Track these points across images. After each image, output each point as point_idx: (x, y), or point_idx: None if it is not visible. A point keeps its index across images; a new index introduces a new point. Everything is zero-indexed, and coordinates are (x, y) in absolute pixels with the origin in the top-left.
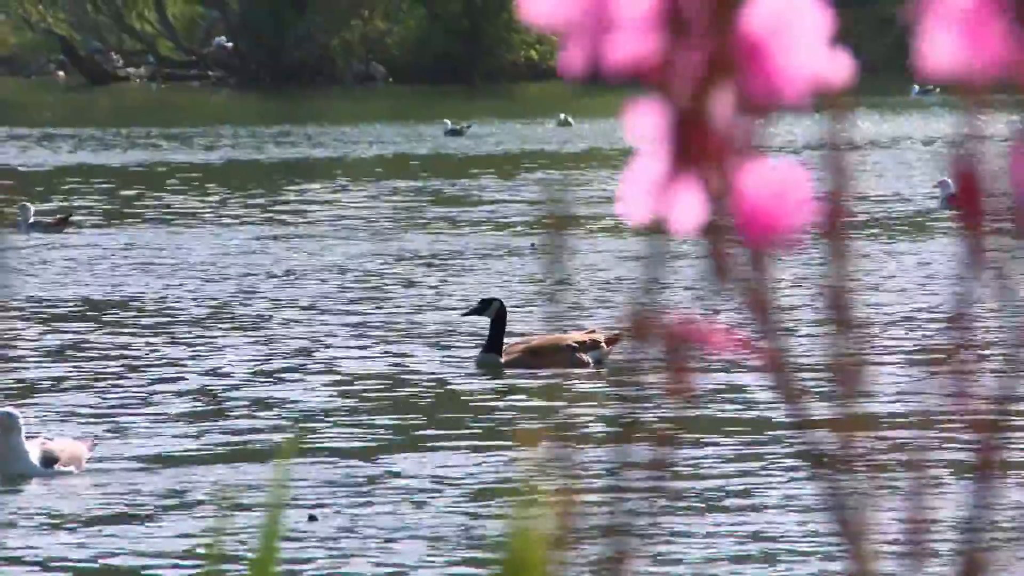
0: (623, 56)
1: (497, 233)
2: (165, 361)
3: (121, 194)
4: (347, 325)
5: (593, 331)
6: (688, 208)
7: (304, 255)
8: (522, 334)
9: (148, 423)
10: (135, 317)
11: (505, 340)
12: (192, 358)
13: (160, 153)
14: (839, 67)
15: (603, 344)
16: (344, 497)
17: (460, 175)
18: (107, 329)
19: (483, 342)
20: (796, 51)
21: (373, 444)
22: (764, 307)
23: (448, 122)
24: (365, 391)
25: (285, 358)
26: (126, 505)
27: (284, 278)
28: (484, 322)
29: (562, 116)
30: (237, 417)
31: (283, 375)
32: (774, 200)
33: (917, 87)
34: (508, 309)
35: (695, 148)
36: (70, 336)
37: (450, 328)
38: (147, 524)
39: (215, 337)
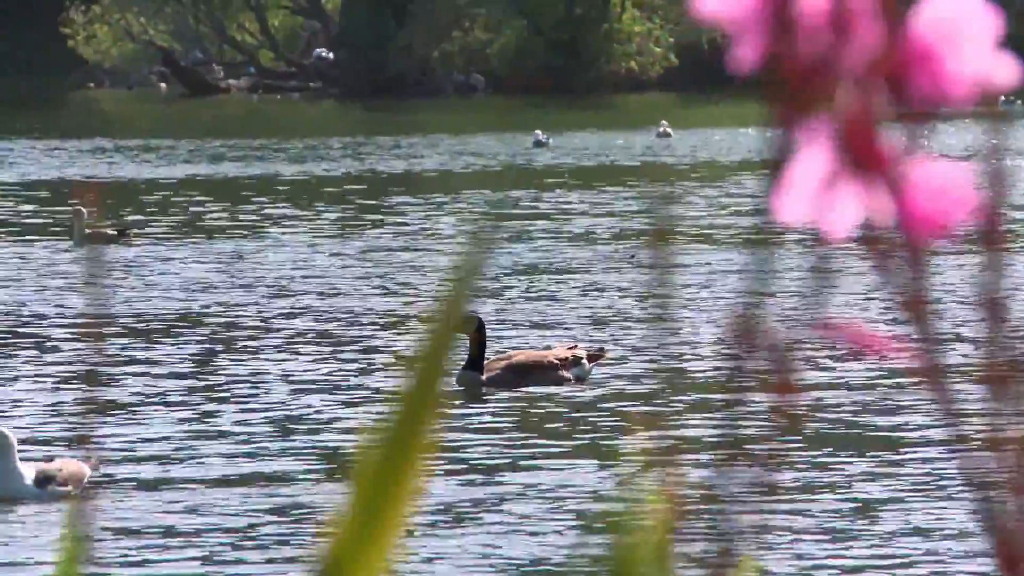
0: (789, 55)
1: (594, 246)
2: (234, 378)
3: (210, 206)
4: None
5: (575, 347)
6: (847, 211)
7: (395, 267)
8: (501, 351)
9: (216, 443)
10: (205, 331)
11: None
12: (262, 372)
13: (256, 165)
14: (1006, 71)
15: (585, 361)
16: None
17: (552, 186)
18: (184, 343)
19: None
20: (964, 54)
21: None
22: (921, 311)
23: (539, 133)
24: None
25: (368, 374)
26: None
27: (373, 291)
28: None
29: (662, 127)
30: (304, 435)
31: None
32: (937, 200)
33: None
34: (608, 321)
35: (857, 151)
36: (135, 352)
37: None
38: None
39: (294, 352)
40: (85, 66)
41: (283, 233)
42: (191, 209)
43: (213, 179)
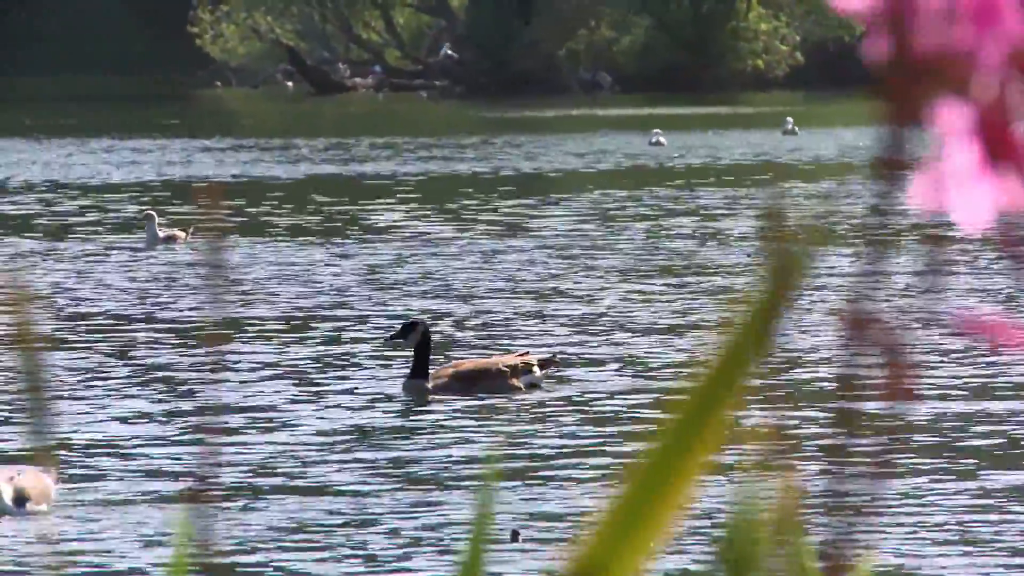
0: (928, 47)
1: (712, 245)
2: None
3: (333, 204)
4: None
5: (526, 354)
6: (982, 204)
7: (516, 266)
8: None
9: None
10: (329, 330)
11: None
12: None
13: (382, 164)
14: None
15: (536, 368)
16: (547, 515)
17: (673, 185)
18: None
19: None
20: None
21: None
22: None
23: (656, 132)
24: (568, 405)
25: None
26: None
27: (497, 291)
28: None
29: (788, 125)
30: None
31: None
32: None
33: None
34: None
35: (993, 142)
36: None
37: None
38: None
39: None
40: (212, 65)
41: (405, 232)
42: (312, 207)
43: (337, 177)
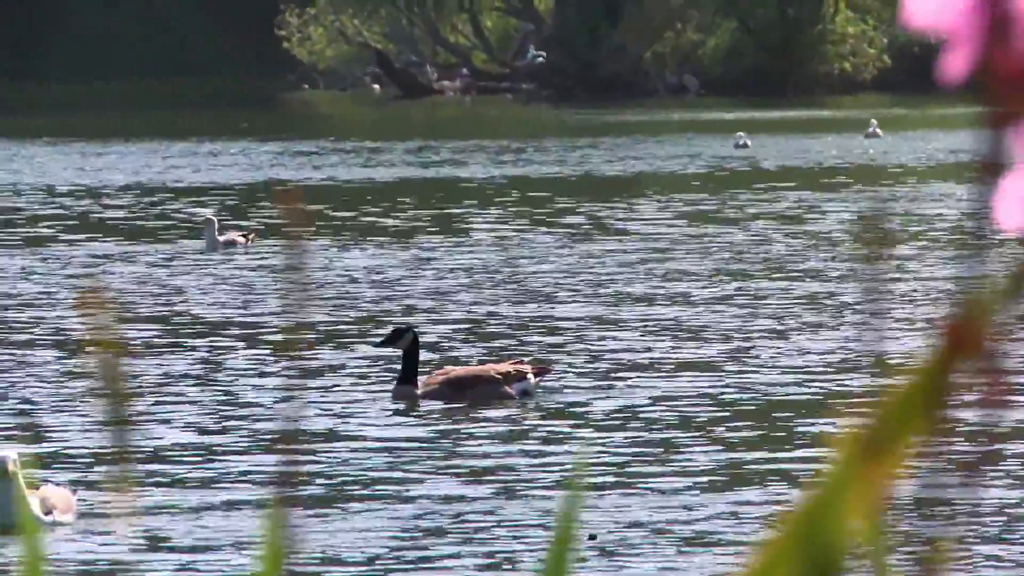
0: (1005, 59)
1: (795, 248)
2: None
3: (412, 210)
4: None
5: (520, 361)
6: None
7: (607, 268)
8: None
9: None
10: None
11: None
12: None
13: (466, 167)
14: None
15: (530, 375)
16: (624, 516)
17: (756, 188)
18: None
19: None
20: None
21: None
22: None
23: (740, 135)
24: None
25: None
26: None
27: (575, 294)
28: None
29: (871, 128)
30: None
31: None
32: None
33: None
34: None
35: None
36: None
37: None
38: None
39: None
40: (300, 68)
41: (493, 235)
42: (399, 210)
43: (424, 180)
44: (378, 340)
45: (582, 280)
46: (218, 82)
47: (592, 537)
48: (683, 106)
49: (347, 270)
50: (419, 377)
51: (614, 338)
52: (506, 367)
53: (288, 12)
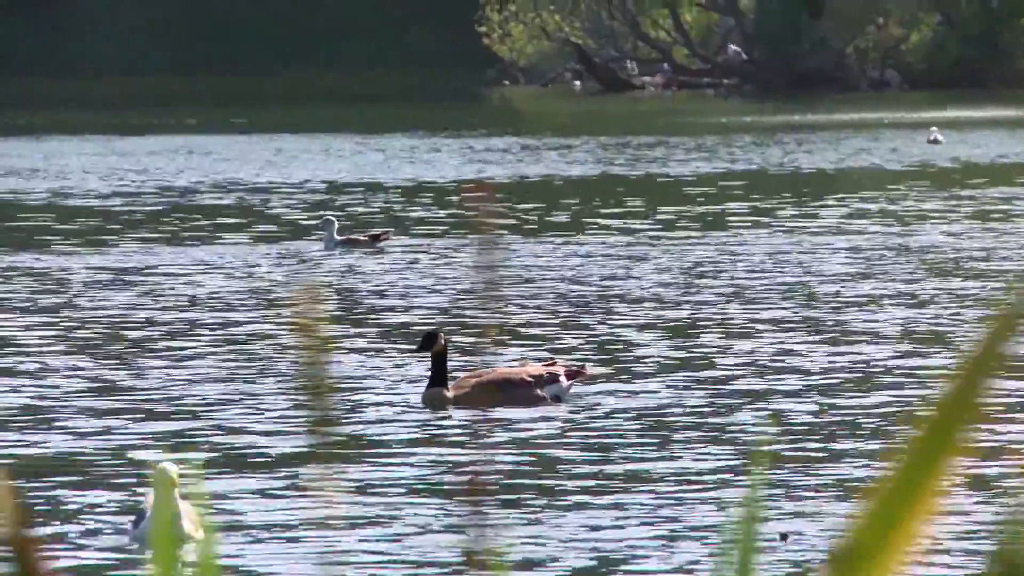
0: None
1: (986, 245)
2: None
3: (617, 205)
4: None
5: (553, 363)
6: None
7: (808, 261)
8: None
9: None
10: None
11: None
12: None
13: (667, 163)
14: None
15: (563, 378)
16: (816, 515)
17: (946, 183)
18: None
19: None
20: None
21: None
22: None
23: (934, 130)
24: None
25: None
26: None
27: (774, 290)
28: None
29: None
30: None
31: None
32: None
33: None
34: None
35: None
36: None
37: None
38: None
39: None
40: (500, 64)
41: (695, 229)
42: (604, 205)
43: (628, 176)
44: (414, 347)
45: (777, 280)
46: (419, 78)
47: (784, 537)
48: (884, 101)
49: (550, 266)
50: (449, 380)
51: (822, 343)
52: (540, 369)
53: (489, 8)
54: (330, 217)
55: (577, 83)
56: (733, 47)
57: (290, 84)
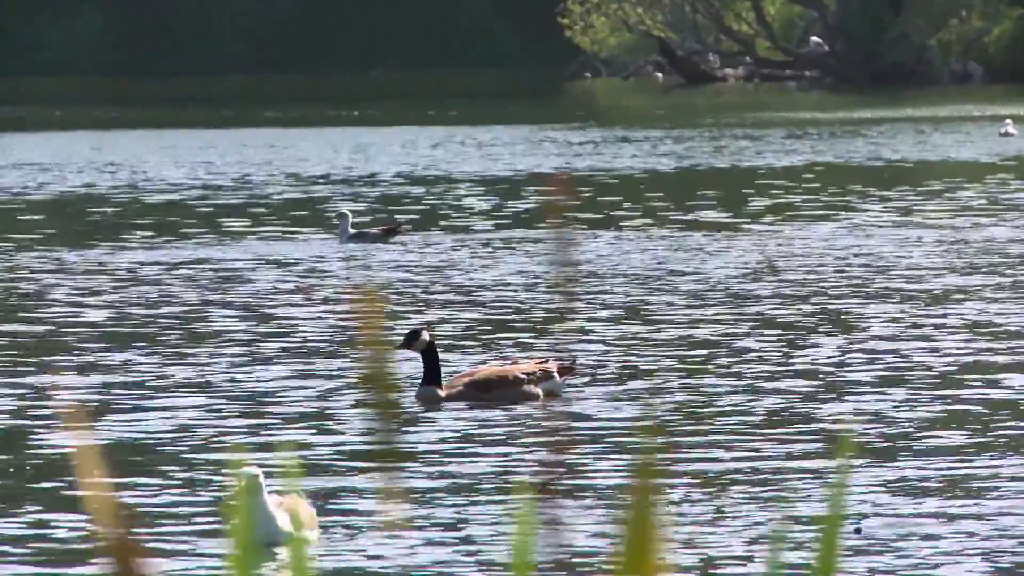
0: None
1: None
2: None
3: (702, 198)
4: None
5: (545, 361)
6: None
7: (868, 261)
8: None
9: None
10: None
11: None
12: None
13: (751, 155)
14: None
15: (556, 374)
16: (893, 508)
17: (1006, 179)
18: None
19: None
20: None
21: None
22: None
23: (1008, 123)
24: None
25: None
26: None
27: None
28: None
29: None
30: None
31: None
32: None
33: None
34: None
35: None
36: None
37: None
38: None
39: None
40: (582, 56)
41: (777, 222)
42: (689, 197)
43: (711, 168)
44: (397, 344)
45: (851, 273)
46: (503, 72)
47: (858, 531)
48: (965, 94)
49: (628, 257)
50: (443, 379)
51: (902, 337)
52: (532, 366)
53: (571, 1)
54: (344, 212)
55: (659, 75)
56: (815, 39)
57: (374, 81)
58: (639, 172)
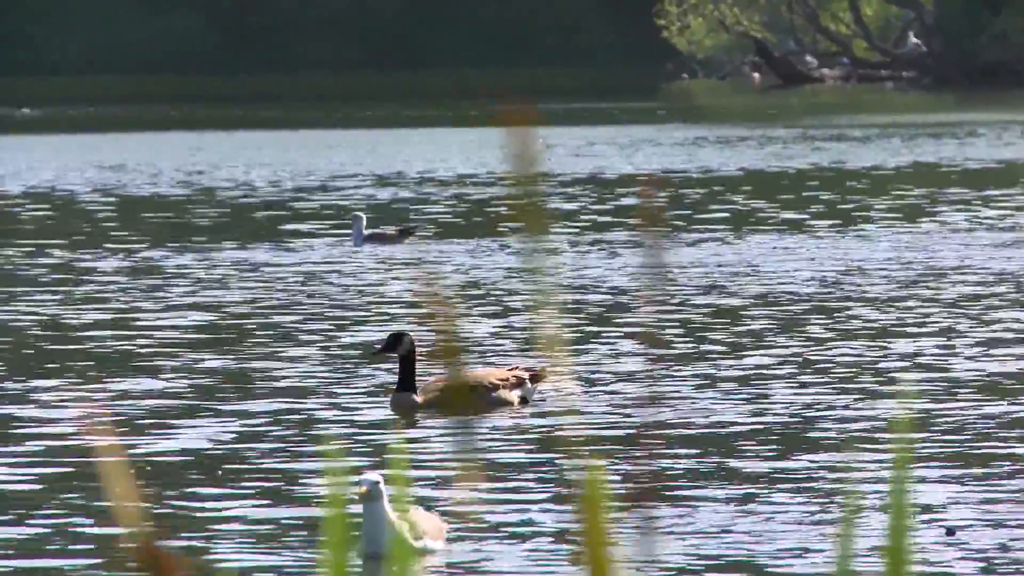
0: None
1: None
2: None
3: (807, 198)
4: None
5: (516, 367)
6: None
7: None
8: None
9: None
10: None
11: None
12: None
13: (851, 155)
14: None
15: (527, 381)
16: (986, 511)
17: None
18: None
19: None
20: None
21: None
22: None
23: None
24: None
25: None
26: None
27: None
28: None
29: None
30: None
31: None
32: None
33: None
34: None
35: None
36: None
37: None
38: None
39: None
40: (678, 57)
41: (878, 224)
42: (796, 198)
43: (812, 168)
44: (374, 349)
45: (957, 276)
46: (599, 72)
47: (950, 532)
48: None
49: (725, 259)
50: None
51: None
52: (504, 373)
53: (667, 2)
54: (358, 213)
55: (755, 76)
56: (913, 40)
57: (468, 80)
58: (737, 170)
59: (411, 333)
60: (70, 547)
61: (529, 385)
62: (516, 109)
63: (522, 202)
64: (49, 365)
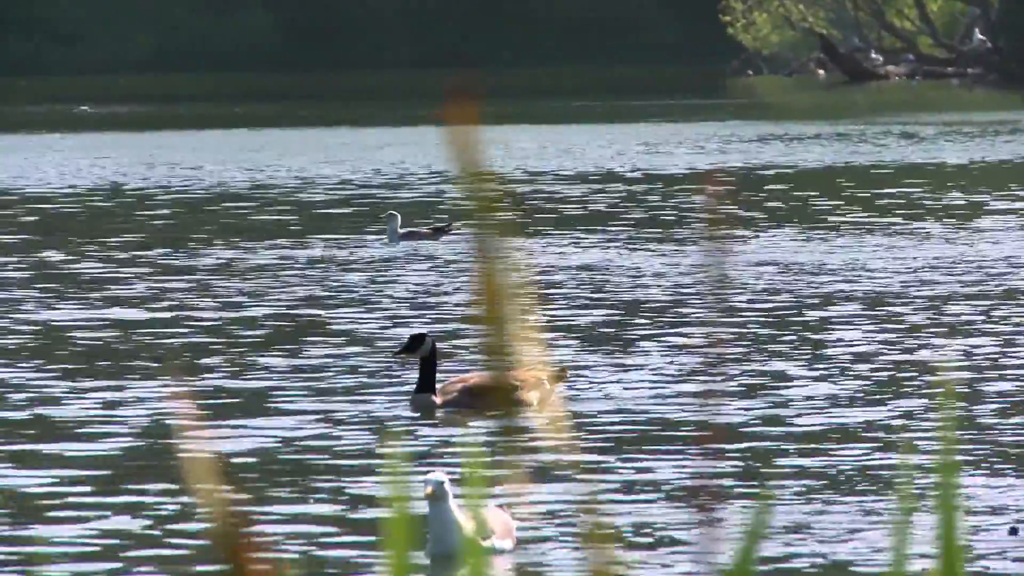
0: None
1: None
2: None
3: (870, 196)
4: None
5: (531, 368)
6: None
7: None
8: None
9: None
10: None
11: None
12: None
13: (915, 152)
14: None
15: (546, 382)
16: None
17: None
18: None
19: None
20: None
21: None
22: None
23: None
24: None
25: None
26: None
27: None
28: None
29: None
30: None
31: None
32: None
33: None
34: None
35: None
36: None
37: None
38: None
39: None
40: (744, 54)
41: (946, 222)
42: (860, 196)
43: (876, 165)
44: (396, 349)
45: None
46: (665, 69)
47: (1013, 531)
48: None
49: (790, 255)
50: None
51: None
52: (525, 374)
53: None
54: (393, 212)
55: (821, 72)
56: (979, 36)
57: (530, 79)
58: (802, 168)
59: (430, 335)
60: (135, 548)
61: (549, 386)
62: (459, 107)
63: (473, 200)
64: (100, 364)
